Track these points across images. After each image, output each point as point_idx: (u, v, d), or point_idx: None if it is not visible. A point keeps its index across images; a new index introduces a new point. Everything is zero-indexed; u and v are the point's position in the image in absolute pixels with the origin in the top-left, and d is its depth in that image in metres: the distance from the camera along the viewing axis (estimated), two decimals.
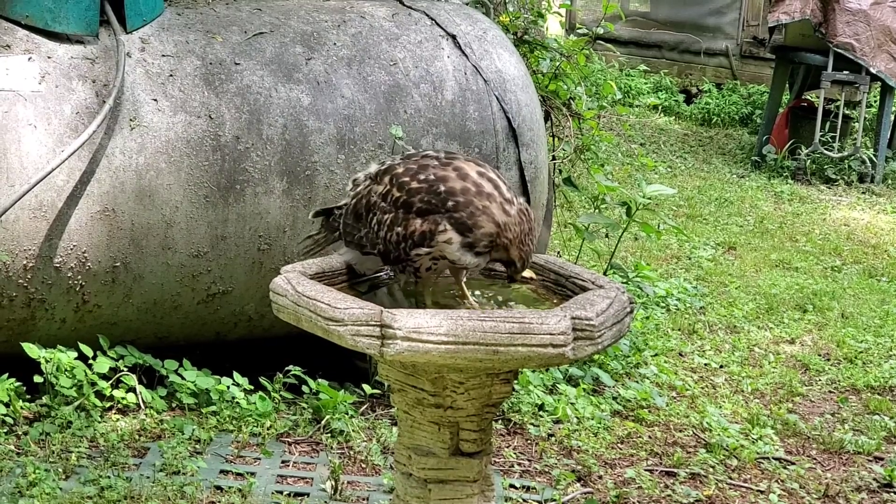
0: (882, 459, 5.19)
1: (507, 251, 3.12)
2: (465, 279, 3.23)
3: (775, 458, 5.07)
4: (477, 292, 3.29)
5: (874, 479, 4.97)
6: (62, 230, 4.66)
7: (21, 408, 4.68)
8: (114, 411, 4.83)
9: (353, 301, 2.94)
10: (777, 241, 8.96)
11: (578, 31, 7.16)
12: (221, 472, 4.47)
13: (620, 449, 5.04)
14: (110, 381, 4.82)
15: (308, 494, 4.34)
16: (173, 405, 4.94)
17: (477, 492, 3.22)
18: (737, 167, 11.72)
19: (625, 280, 6.43)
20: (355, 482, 4.47)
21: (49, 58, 4.77)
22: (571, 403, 5.30)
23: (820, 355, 6.49)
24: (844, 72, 11.19)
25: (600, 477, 4.74)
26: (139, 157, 4.76)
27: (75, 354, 4.76)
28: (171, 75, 4.89)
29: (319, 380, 5.06)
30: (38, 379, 4.70)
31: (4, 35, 4.77)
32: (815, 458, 5.16)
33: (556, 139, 6.62)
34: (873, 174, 11.35)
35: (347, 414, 4.94)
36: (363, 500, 4.33)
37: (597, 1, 14.68)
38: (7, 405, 4.64)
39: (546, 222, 5.82)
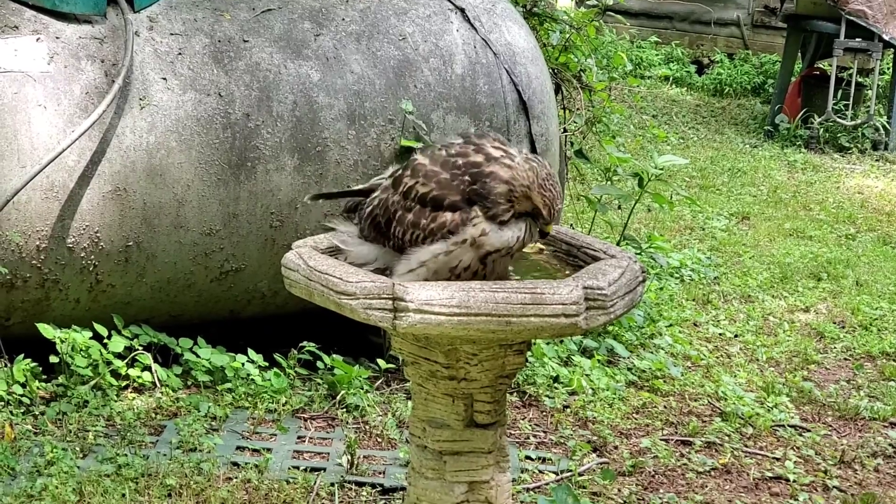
0: None
1: (529, 199, 2.97)
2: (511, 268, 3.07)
3: (791, 426, 5.07)
4: None
5: (890, 444, 4.96)
6: (74, 210, 4.67)
7: (37, 388, 4.70)
8: (129, 390, 4.85)
9: (365, 274, 2.94)
10: (791, 211, 8.94)
11: (588, 2, 7.14)
12: (238, 448, 4.49)
13: (636, 419, 5.04)
14: (125, 361, 4.83)
15: (324, 469, 4.35)
16: (188, 383, 4.96)
17: (492, 463, 3.22)
18: (749, 137, 11.68)
19: (638, 251, 6.43)
20: (371, 456, 4.48)
21: (57, 38, 4.77)
22: (586, 375, 5.30)
23: (835, 323, 6.48)
24: (857, 39, 11.15)
25: (616, 447, 4.75)
26: (149, 136, 4.77)
27: (90, 334, 4.77)
28: (179, 54, 4.89)
29: (334, 355, 5.07)
30: (53, 359, 4.72)
31: (12, 16, 4.77)
32: (830, 425, 5.16)
33: (566, 111, 6.60)
34: (887, 141, 11.31)
35: (362, 389, 4.95)
36: (379, 473, 4.34)
37: None
38: (24, 385, 4.66)
39: None
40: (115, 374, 4.81)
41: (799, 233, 8.31)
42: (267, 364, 5.02)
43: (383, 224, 3.10)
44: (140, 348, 4.88)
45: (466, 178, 3.00)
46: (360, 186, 3.34)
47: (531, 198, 2.97)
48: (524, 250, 3.15)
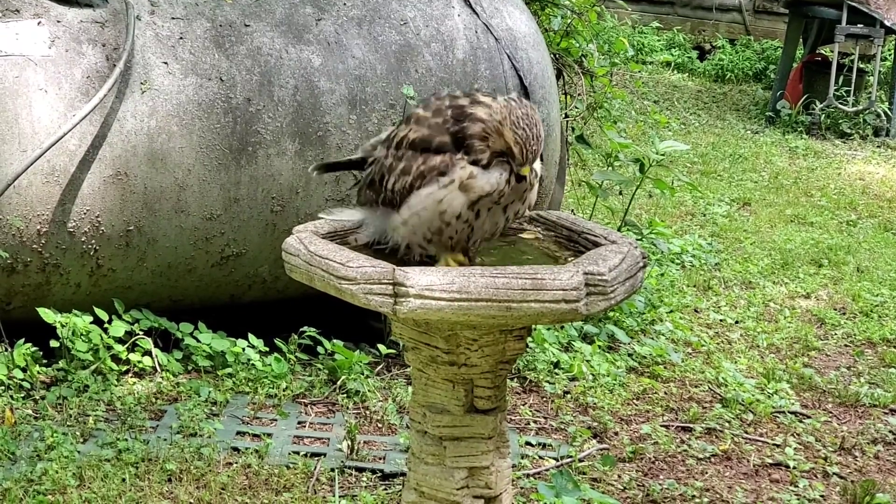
0: None
1: (501, 136, 2.85)
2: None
3: (791, 412, 5.08)
4: (492, 250, 3.25)
5: (890, 431, 4.97)
6: (75, 195, 4.67)
7: (38, 372, 4.70)
8: (130, 375, 4.85)
9: (366, 259, 2.93)
10: (792, 197, 8.94)
11: None
12: (238, 433, 4.49)
13: (636, 405, 5.04)
14: (126, 345, 4.83)
15: (324, 454, 4.35)
16: (189, 368, 4.96)
17: (492, 448, 3.22)
18: (751, 123, 11.67)
19: (639, 237, 6.43)
20: (371, 441, 4.48)
21: (59, 22, 4.76)
22: (587, 361, 5.30)
23: (835, 309, 6.48)
24: (858, 25, 11.13)
25: (616, 433, 4.75)
26: (151, 121, 4.76)
27: (91, 319, 4.77)
28: (181, 38, 4.88)
29: (334, 341, 5.07)
30: (54, 344, 4.72)
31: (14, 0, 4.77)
32: (830, 412, 5.16)
33: (568, 97, 6.60)
34: (888, 128, 11.30)
35: (363, 374, 4.95)
36: (379, 459, 4.35)
37: None
38: (24, 370, 4.66)
39: (559, 180, 5.81)
40: (116, 358, 4.81)
41: (800, 219, 8.31)
42: (267, 349, 5.02)
43: (377, 181, 3.02)
44: (141, 333, 4.88)
45: (451, 119, 2.94)
46: (359, 154, 3.26)
47: (503, 134, 2.85)
48: (523, 236, 3.13)
